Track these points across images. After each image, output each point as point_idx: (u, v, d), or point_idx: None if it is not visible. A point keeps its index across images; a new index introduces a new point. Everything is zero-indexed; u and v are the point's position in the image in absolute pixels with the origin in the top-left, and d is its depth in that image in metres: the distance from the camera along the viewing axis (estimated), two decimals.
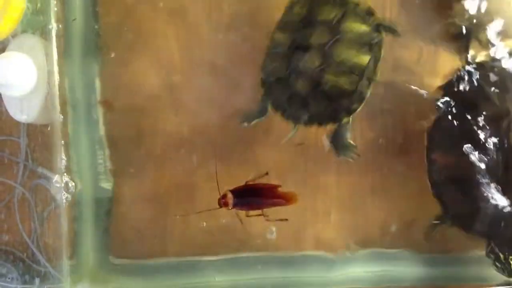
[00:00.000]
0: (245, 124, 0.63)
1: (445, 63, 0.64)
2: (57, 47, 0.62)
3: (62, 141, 0.63)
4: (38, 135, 0.66)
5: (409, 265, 0.66)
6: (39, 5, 0.63)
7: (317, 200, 0.67)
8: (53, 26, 0.62)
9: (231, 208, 0.60)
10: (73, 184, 0.64)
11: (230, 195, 0.59)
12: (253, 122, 0.63)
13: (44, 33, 0.62)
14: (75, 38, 0.65)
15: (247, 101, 0.65)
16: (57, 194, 0.63)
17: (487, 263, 0.62)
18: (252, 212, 0.61)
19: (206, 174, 0.66)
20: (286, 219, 0.62)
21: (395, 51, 0.64)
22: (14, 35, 0.63)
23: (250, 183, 0.62)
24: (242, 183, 0.64)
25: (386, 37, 0.60)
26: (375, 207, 0.66)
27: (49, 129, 0.64)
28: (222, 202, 0.60)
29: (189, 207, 0.66)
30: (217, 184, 0.60)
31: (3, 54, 0.61)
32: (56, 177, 0.63)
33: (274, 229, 0.65)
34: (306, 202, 0.66)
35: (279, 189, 0.61)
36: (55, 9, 0.62)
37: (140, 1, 0.66)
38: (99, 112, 0.66)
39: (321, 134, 0.64)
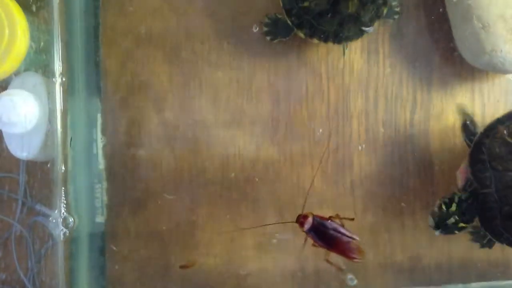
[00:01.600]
0: (268, 38, 0.64)
1: None
2: (60, 85, 0.63)
3: (61, 178, 0.63)
4: (37, 172, 0.66)
5: None
6: (42, 44, 0.64)
7: None
8: (56, 64, 0.63)
9: (304, 231, 0.58)
10: (72, 219, 0.64)
11: (310, 219, 0.58)
12: (276, 40, 0.64)
13: (47, 72, 0.63)
14: (77, 76, 0.66)
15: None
16: (55, 230, 0.62)
17: None
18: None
19: (206, 212, 0.66)
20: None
21: None
22: (17, 73, 0.64)
23: (334, 220, 0.60)
24: (243, 217, 0.65)
25: None
26: None
27: (48, 166, 0.64)
28: (300, 221, 0.58)
29: (190, 244, 0.66)
30: (305, 202, 0.59)
31: (5, 92, 0.61)
32: (54, 213, 0.63)
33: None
34: None
35: (354, 241, 0.59)
36: (59, 48, 0.63)
37: (139, 45, 0.67)
38: (99, 147, 0.67)
39: None
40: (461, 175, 0.60)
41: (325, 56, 0.67)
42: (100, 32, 0.67)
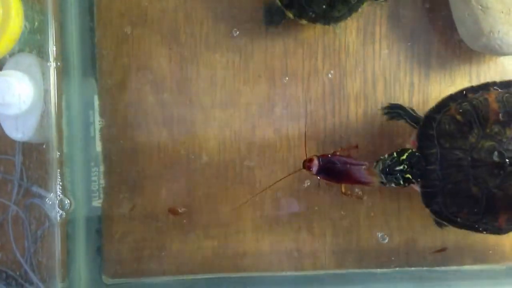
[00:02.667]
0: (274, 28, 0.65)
1: None
2: (55, 66, 0.62)
3: (57, 159, 0.63)
4: (33, 154, 0.65)
5: None
6: (36, 24, 0.64)
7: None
8: (51, 45, 0.62)
9: (314, 174, 0.58)
10: (68, 201, 0.64)
11: (316, 161, 0.58)
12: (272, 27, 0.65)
13: (41, 52, 0.63)
14: (72, 57, 0.66)
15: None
16: (51, 212, 0.63)
17: None
18: None
19: (203, 194, 0.66)
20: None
21: None
22: (11, 54, 0.63)
23: (338, 153, 0.60)
24: (240, 199, 0.65)
25: None
26: None
27: (44, 147, 0.64)
28: (307, 165, 0.58)
29: (187, 226, 0.67)
30: (305, 146, 0.60)
31: (0, 73, 0.61)
32: (50, 195, 0.63)
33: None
34: None
35: (363, 167, 0.58)
36: (53, 28, 0.63)
37: (135, 26, 0.67)
38: (96, 129, 0.67)
39: None
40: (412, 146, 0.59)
41: (321, 37, 0.66)
42: (95, 12, 0.67)
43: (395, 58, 0.66)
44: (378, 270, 0.67)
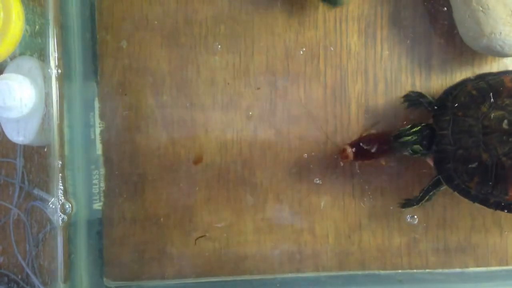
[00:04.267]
0: None
1: None
2: (56, 69, 0.63)
3: (59, 162, 0.63)
4: (34, 157, 0.66)
5: None
6: (37, 27, 0.64)
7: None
8: (52, 48, 0.62)
9: (354, 160, 0.61)
10: (70, 205, 0.64)
11: (349, 149, 0.60)
12: None
13: (42, 55, 0.63)
14: (73, 60, 0.66)
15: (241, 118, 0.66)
16: (53, 215, 0.63)
17: None
18: None
19: (204, 197, 0.66)
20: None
21: None
22: (12, 57, 0.63)
23: (364, 134, 0.62)
24: (242, 203, 0.66)
25: None
26: None
27: (45, 150, 0.64)
28: (343, 156, 0.61)
29: (188, 228, 0.67)
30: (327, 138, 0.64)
31: (1, 76, 0.61)
32: (52, 199, 0.63)
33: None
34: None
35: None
36: (54, 31, 0.63)
37: (136, 29, 0.67)
38: (97, 132, 0.67)
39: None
40: None
41: (323, 39, 0.66)
42: (96, 15, 0.67)
43: (396, 60, 0.66)
44: (381, 272, 0.66)
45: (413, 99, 0.63)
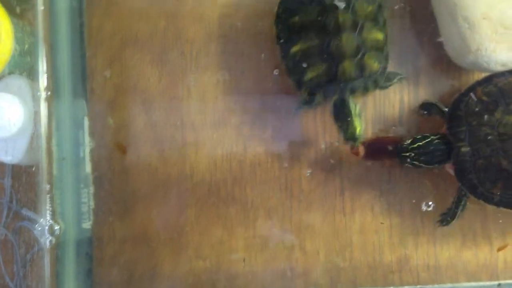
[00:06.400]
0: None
1: None
2: (45, 88, 0.62)
3: (47, 185, 0.62)
4: (22, 176, 0.65)
5: None
6: (27, 46, 0.64)
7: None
8: (41, 67, 0.62)
9: (363, 158, 0.61)
10: (58, 226, 0.63)
11: (361, 147, 0.61)
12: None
13: (31, 74, 0.63)
14: (63, 78, 0.66)
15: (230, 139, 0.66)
16: (41, 236, 0.62)
17: None
18: None
19: (194, 214, 0.66)
20: None
21: None
22: (1, 77, 0.63)
23: (380, 136, 0.65)
24: (232, 221, 0.66)
25: None
26: None
27: (34, 169, 0.63)
28: (354, 152, 0.61)
29: (179, 247, 0.66)
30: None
31: None
32: (40, 220, 0.62)
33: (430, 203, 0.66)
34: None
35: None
36: (43, 50, 0.63)
37: (126, 47, 0.67)
38: (86, 150, 0.66)
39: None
40: None
41: None
42: (86, 34, 0.67)
43: None
44: None
45: (428, 109, 0.64)
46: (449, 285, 0.66)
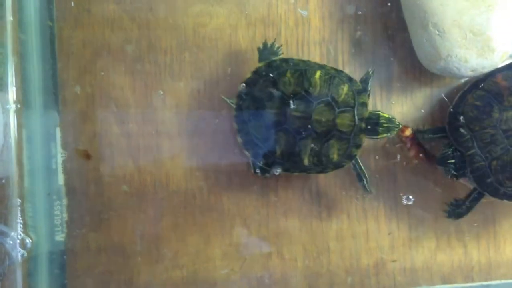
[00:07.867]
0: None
1: None
2: (15, 100, 0.61)
3: (18, 195, 0.61)
4: None
5: None
6: None
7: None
8: (10, 78, 0.61)
9: (408, 145, 0.63)
10: (30, 240, 0.62)
11: (410, 131, 0.62)
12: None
13: (0, 86, 0.62)
14: (33, 89, 0.65)
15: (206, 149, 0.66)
16: (12, 250, 0.61)
17: None
18: None
19: (171, 224, 0.66)
20: None
21: None
22: None
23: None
24: (209, 229, 0.66)
25: None
26: None
27: (4, 182, 0.62)
28: (402, 133, 0.62)
29: (155, 256, 0.65)
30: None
31: None
32: (11, 234, 0.61)
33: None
34: None
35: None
36: (13, 60, 0.62)
37: (98, 56, 0.66)
38: (59, 162, 0.66)
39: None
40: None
41: None
42: (56, 43, 0.66)
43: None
44: None
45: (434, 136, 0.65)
46: (425, 287, 0.67)
